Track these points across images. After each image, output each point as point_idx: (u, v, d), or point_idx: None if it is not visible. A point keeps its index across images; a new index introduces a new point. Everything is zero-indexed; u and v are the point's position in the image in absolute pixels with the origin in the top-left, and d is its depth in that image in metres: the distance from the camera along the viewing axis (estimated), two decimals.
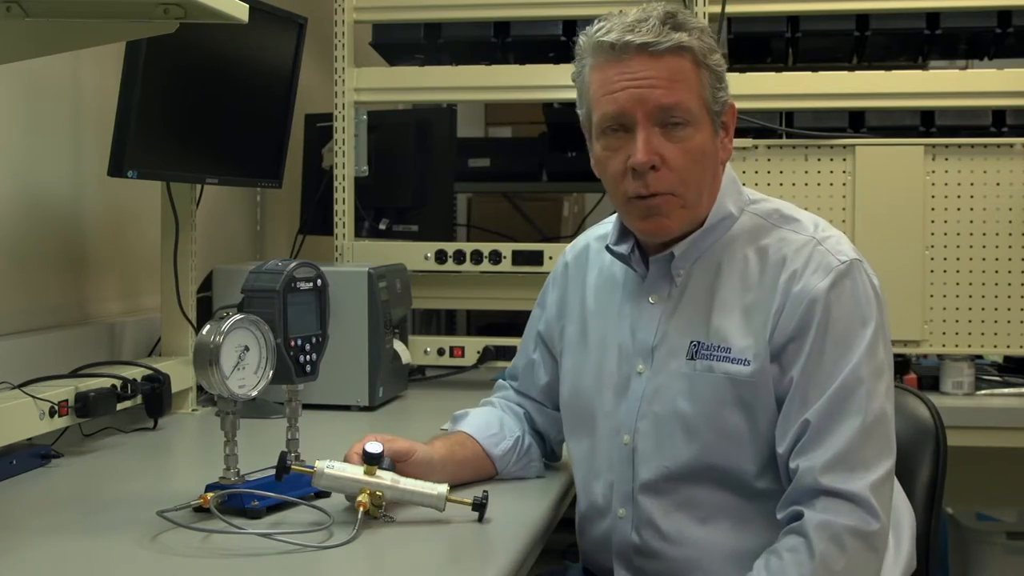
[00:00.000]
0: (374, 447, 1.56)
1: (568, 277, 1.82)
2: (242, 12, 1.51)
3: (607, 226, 1.76)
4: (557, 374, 1.82)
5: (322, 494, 1.63)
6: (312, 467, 1.56)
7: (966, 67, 3.12)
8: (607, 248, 1.71)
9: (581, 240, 1.84)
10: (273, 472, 1.60)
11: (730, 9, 2.66)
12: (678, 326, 1.63)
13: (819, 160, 2.65)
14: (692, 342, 1.60)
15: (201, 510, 1.52)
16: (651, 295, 1.66)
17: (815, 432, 1.50)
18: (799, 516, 1.49)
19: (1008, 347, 2.60)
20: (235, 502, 1.55)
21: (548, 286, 1.87)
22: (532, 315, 1.89)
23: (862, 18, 2.75)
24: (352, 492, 1.55)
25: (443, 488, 1.57)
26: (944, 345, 2.60)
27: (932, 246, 2.60)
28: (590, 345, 1.73)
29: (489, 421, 1.81)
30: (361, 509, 1.51)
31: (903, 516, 1.72)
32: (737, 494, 1.58)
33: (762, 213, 1.65)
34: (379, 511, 1.54)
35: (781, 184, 2.64)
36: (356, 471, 1.55)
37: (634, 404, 1.64)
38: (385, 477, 1.56)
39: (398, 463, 1.63)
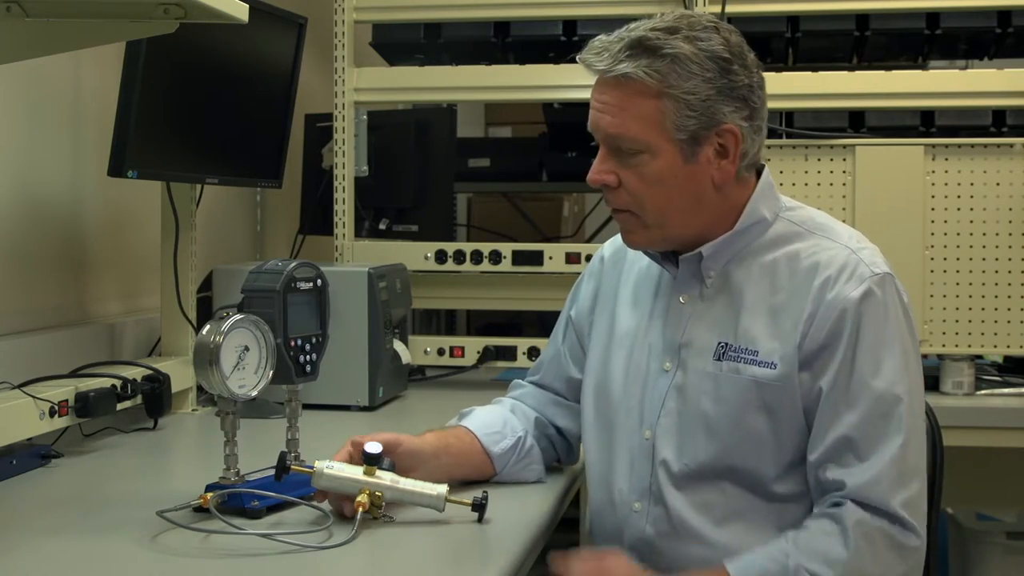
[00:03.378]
0: (373, 447, 1.56)
1: (604, 272, 1.83)
2: (242, 12, 1.51)
3: None
4: (584, 366, 1.81)
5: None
6: (312, 467, 1.56)
7: (966, 67, 3.12)
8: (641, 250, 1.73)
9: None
10: (273, 472, 1.60)
11: (730, 9, 2.66)
12: (706, 326, 1.64)
13: (819, 160, 2.65)
14: (720, 343, 1.61)
15: (201, 510, 1.52)
16: (682, 295, 1.67)
17: (855, 448, 1.51)
18: (837, 506, 1.50)
19: (1008, 347, 2.60)
20: (235, 502, 1.55)
21: (583, 279, 1.88)
22: (564, 309, 1.89)
23: (862, 18, 2.75)
24: (351, 492, 1.55)
25: (442, 488, 1.57)
26: (944, 345, 2.60)
27: (932, 246, 2.60)
28: (621, 340, 1.73)
29: (492, 419, 1.80)
30: (360, 509, 1.51)
31: None
32: (754, 496, 1.59)
33: (797, 220, 1.66)
34: (379, 511, 1.54)
35: (781, 184, 2.63)
36: (355, 471, 1.55)
37: (657, 400, 1.65)
38: (384, 477, 1.56)
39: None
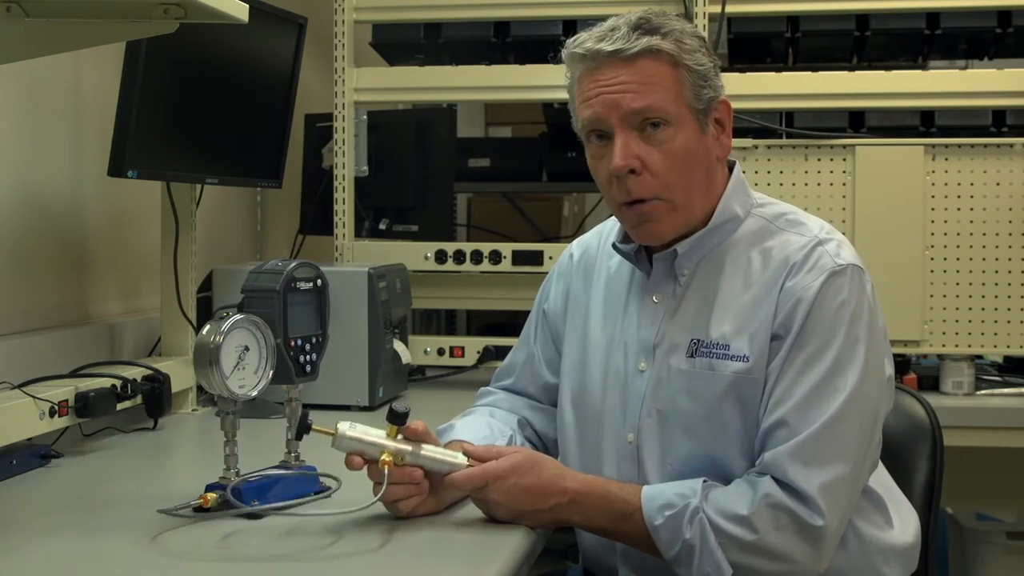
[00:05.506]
0: (401, 407, 1.55)
1: (573, 272, 1.82)
2: (242, 12, 1.51)
3: (615, 223, 1.76)
4: (559, 369, 1.80)
5: (322, 492, 1.63)
6: (332, 431, 1.53)
7: (966, 67, 3.12)
8: (613, 246, 1.72)
9: (591, 236, 1.84)
10: (274, 472, 1.60)
11: (730, 9, 2.66)
12: (680, 324, 1.64)
13: (819, 160, 2.65)
14: (693, 340, 1.61)
15: (201, 510, 1.52)
16: (655, 294, 1.67)
17: (788, 430, 1.52)
18: (759, 475, 1.54)
19: (1008, 347, 2.60)
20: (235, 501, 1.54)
21: (551, 279, 1.86)
22: (533, 311, 1.88)
23: (862, 18, 2.75)
24: (373, 456, 1.53)
25: (463, 459, 1.56)
26: (944, 345, 2.60)
27: (932, 246, 2.60)
28: (596, 344, 1.73)
29: (478, 427, 1.76)
30: (387, 468, 1.50)
31: (902, 504, 1.74)
32: (725, 484, 1.59)
33: (768, 216, 1.66)
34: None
35: (781, 184, 2.64)
36: (378, 434, 1.54)
37: (637, 402, 1.65)
38: (406, 441, 1.55)
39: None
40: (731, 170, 1.69)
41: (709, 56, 1.62)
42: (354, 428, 1.54)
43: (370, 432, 1.54)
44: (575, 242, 1.86)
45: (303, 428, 1.54)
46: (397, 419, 1.54)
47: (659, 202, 1.60)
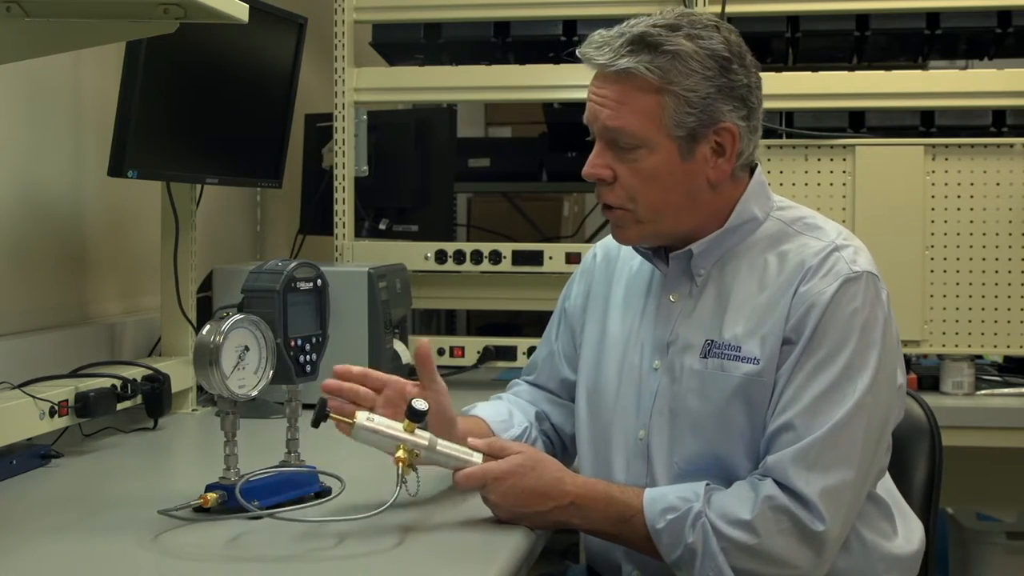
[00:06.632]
0: (421, 404, 1.54)
1: (595, 271, 1.83)
2: (242, 12, 1.51)
3: None
4: (577, 365, 1.81)
5: (322, 493, 1.63)
6: (351, 420, 1.53)
7: (966, 67, 3.12)
8: (633, 246, 1.73)
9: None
10: (274, 472, 1.60)
11: (730, 9, 2.66)
12: (694, 324, 1.64)
13: (819, 160, 2.65)
14: (706, 340, 1.62)
15: (201, 510, 1.52)
16: (672, 293, 1.68)
17: (793, 433, 1.52)
18: (760, 478, 1.54)
19: (1008, 347, 2.60)
20: (235, 502, 1.54)
21: (575, 277, 1.88)
22: (556, 309, 1.90)
23: (862, 18, 2.75)
24: (388, 448, 1.53)
25: (478, 458, 1.56)
26: (944, 345, 2.60)
27: (932, 246, 2.60)
28: (614, 341, 1.74)
29: (498, 410, 1.81)
30: (401, 465, 1.50)
31: (908, 512, 1.74)
32: (728, 485, 1.59)
33: (787, 219, 1.66)
34: (411, 470, 1.52)
35: (781, 184, 2.64)
36: (395, 426, 1.53)
37: (648, 399, 1.66)
38: (423, 436, 1.55)
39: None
40: (753, 172, 1.68)
41: (716, 80, 1.56)
42: (371, 419, 1.53)
43: (386, 424, 1.54)
44: (599, 243, 1.88)
45: (321, 415, 1.53)
46: (416, 416, 1.54)
47: (624, 211, 1.63)
